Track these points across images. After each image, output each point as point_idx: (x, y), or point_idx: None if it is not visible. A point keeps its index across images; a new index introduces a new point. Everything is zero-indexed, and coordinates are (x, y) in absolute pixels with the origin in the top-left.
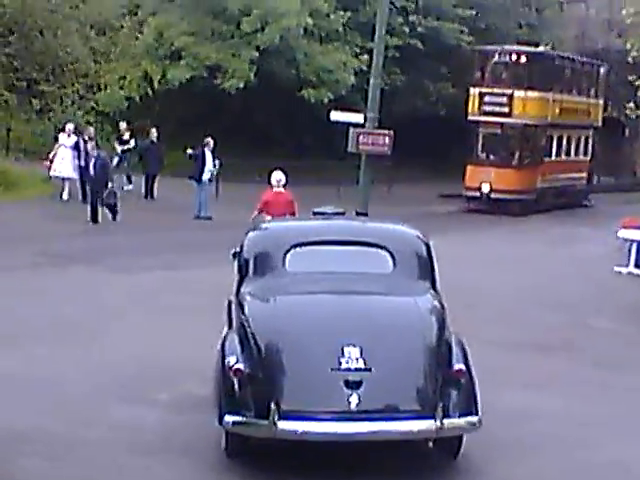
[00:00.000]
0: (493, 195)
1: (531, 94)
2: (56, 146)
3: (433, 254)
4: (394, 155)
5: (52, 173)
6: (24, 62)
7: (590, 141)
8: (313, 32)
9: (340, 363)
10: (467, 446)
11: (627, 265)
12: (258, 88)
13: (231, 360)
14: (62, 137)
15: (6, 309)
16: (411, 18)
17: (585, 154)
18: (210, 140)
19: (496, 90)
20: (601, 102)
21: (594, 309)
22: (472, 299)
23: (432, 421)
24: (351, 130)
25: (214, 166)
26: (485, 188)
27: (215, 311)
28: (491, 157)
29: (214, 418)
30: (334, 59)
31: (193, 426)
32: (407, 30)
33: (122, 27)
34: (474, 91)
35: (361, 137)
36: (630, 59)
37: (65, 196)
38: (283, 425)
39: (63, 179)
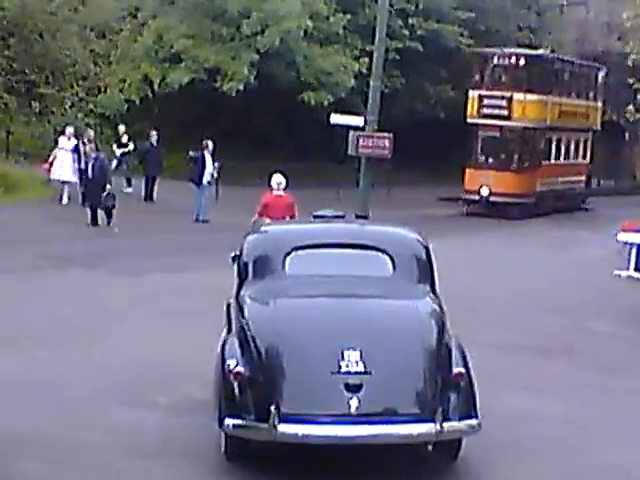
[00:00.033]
0: (492, 198)
1: (530, 97)
2: (55, 149)
3: (432, 257)
4: (394, 158)
5: (52, 176)
6: (24, 65)
7: (589, 144)
8: (313, 35)
9: (340, 366)
10: (466, 449)
11: (627, 268)
12: (258, 91)
13: (231, 363)
14: (62, 140)
15: (6, 311)
16: (411, 21)
17: (584, 157)
18: (209, 143)
19: (495, 93)
20: (600, 105)
21: (594, 312)
22: (471, 302)
23: (432, 424)
24: (351, 133)
25: (214, 169)
26: (484, 191)
27: (215, 314)
28: (490, 160)
29: (214, 421)
30: (334, 62)
31: (193, 429)
32: (407, 33)
33: (122, 30)
34: (473, 94)
35: (361, 140)
36: (630, 62)
37: (65, 200)
38: (283, 428)
39: (62, 182)
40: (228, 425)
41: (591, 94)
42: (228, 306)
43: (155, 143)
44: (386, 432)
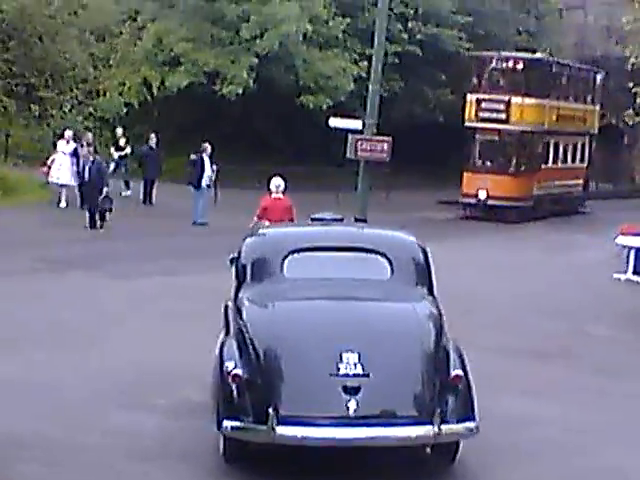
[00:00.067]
0: (490, 202)
1: (528, 101)
2: (54, 153)
3: (430, 260)
4: (392, 161)
5: (50, 179)
6: (23, 68)
7: (587, 148)
8: (312, 38)
9: (338, 369)
10: (464, 452)
11: (625, 272)
12: (257, 94)
13: (229, 365)
14: (60, 144)
15: (5, 314)
16: (410, 25)
17: (582, 161)
18: (208, 146)
19: (493, 96)
20: (597, 109)
21: (592, 316)
22: (470, 305)
23: (430, 427)
24: (350, 136)
25: (212, 172)
26: (482, 195)
27: (214, 317)
28: (488, 164)
29: (212, 424)
30: (333, 65)
31: (191, 431)
32: (406, 37)
33: (121, 33)
34: (471, 97)
35: (360, 144)
36: (629, 66)
37: (63, 203)
38: (282, 430)
39: (61, 186)
40: (227, 427)
41: (589, 98)
42: (226, 308)
43: (154, 146)
44: (384, 434)
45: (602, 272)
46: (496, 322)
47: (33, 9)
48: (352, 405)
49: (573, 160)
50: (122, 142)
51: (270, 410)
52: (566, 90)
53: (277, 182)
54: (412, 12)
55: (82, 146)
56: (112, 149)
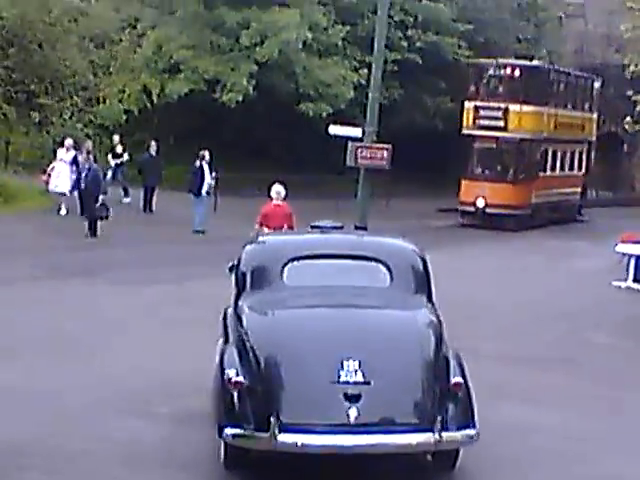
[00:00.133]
0: (488, 210)
1: (526, 108)
2: (54, 161)
3: (429, 268)
4: (392, 169)
5: (50, 187)
6: (23, 75)
7: (584, 156)
8: (312, 46)
9: (339, 376)
10: (464, 459)
11: (625, 279)
12: (257, 102)
13: (230, 373)
14: (60, 152)
15: (6, 321)
16: (410, 32)
17: (579, 169)
18: (206, 154)
19: (491, 104)
20: (595, 116)
21: (592, 324)
22: (469, 313)
23: (430, 434)
24: (350, 144)
25: (212, 179)
26: (480, 203)
27: (214, 324)
28: (486, 172)
29: (213, 431)
30: (333, 73)
31: (192, 439)
32: (406, 44)
33: (121, 40)
34: (469, 105)
35: (360, 151)
36: (628, 74)
37: (63, 211)
38: (283, 438)
39: (60, 194)
40: (228, 435)
41: (587, 105)
42: (224, 316)
43: (154, 154)
44: (385, 442)
45: (602, 280)
46: (496, 330)
47: (33, 16)
48: (353, 412)
49: (571, 168)
50: (119, 149)
51: (271, 418)
52: (564, 97)
53: (277, 189)
54: (412, 20)
55: (81, 153)
56: (109, 156)
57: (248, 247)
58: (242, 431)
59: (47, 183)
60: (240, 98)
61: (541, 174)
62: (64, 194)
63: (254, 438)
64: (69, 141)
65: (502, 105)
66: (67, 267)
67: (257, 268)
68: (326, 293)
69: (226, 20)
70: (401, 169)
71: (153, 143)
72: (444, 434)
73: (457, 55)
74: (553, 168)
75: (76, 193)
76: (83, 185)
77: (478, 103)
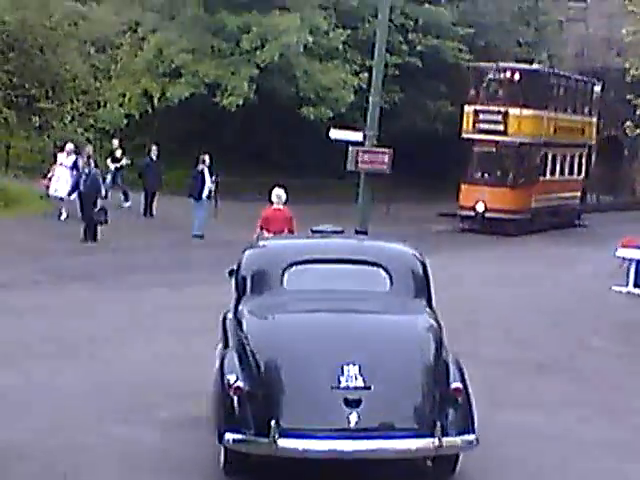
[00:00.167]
0: (488, 214)
1: (526, 112)
2: (54, 166)
3: (429, 273)
4: (393, 173)
5: (50, 192)
6: (24, 79)
7: (584, 160)
8: (313, 50)
9: (340, 381)
10: (464, 464)
11: (626, 284)
12: (258, 106)
13: (231, 378)
14: (61, 156)
15: (5, 326)
16: (410, 36)
17: (579, 173)
18: (207, 158)
19: (491, 108)
20: (595, 120)
21: (593, 329)
22: (470, 318)
23: (430, 439)
24: (350, 148)
25: (212, 183)
26: (480, 207)
27: (214, 329)
28: (485, 176)
29: (213, 436)
30: (334, 77)
31: (191, 444)
32: (406, 48)
33: (122, 45)
34: (469, 109)
35: (360, 155)
36: (629, 78)
37: (64, 215)
38: (283, 443)
39: (60, 199)
40: (228, 440)
41: (586, 109)
42: (224, 320)
43: (155, 158)
44: (385, 447)
45: (602, 285)
46: (496, 334)
47: (34, 20)
48: (353, 418)
49: (571, 172)
50: (118, 153)
51: (272, 423)
52: (564, 101)
53: (278, 193)
54: (412, 23)
55: (82, 158)
56: (108, 160)
57: (248, 251)
58: (242, 436)
59: (47, 187)
60: (241, 102)
61: (541, 178)
62: (64, 199)
63: (254, 443)
64: (70, 146)
65: (502, 109)
66: (67, 271)
67: (257, 272)
68: (326, 298)
69: (227, 24)
70: (402, 173)
71: (154, 147)
72: (444, 439)
73: (458, 59)
74: (553, 172)
75: (76, 197)
76: (82, 189)
77: (478, 107)
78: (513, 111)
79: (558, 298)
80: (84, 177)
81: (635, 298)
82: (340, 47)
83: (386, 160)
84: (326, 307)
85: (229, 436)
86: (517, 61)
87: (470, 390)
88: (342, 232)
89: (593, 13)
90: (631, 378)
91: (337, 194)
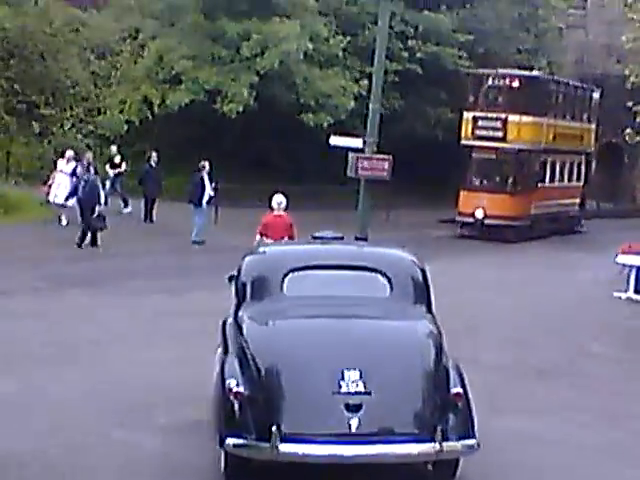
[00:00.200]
0: (487, 221)
1: (525, 119)
2: (54, 172)
3: (429, 278)
4: (393, 180)
5: (50, 198)
6: (24, 85)
7: (583, 167)
8: (313, 57)
9: (340, 386)
10: (464, 469)
11: (626, 290)
12: (258, 112)
13: (231, 383)
14: (61, 163)
15: (5, 332)
16: (410, 43)
17: (578, 180)
18: (206, 164)
19: (490, 114)
20: (594, 127)
21: (593, 335)
22: (470, 324)
23: (431, 444)
24: (350, 155)
25: (211, 189)
26: (479, 214)
27: (214, 334)
28: (485, 183)
29: (213, 441)
30: (334, 84)
31: (192, 449)
32: (406, 55)
33: (122, 51)
34: (467, 115)
35: (360, 162)
36: (629, 85)
37: (64, 222)
38: (284, 448)
39: (61, 206)
40: (229, 444)
41: (585, 116)
42: (224, 326)
43: (155, 164)
44: (386, 451)
45: (602, 291)
46: (496, 340)
47: (34, 27)
48: (354, 422)
49: (570, 179)
50: (117, 159)
51: (273, 428)
52: (563, 108)
53: (278, 199)
54: (412, 30)
55: (83, 165)
56: (107, 166)
57: (248, 257)
58: (243, 441)
59: (47, 194)
60: (241, 109)
61: (540, 185)
62: (64, 205)
63: (255, 448)
64: (70, 152)
65: (501, 115)
66: (67, 278)
67: (257, 278)
68: (326, 303)
69: (227, 31)
70: (402, 180)
71: (154, 154)
72: (445, 444)
73: (457, 65)
74: (552, 179)
75: (76, 203)
76: (81, 196)
77: (477, 113)
78: (512, 118)
79: (558, 304)
80: (83, 184)
81: (635, 304)
82: (340, 54)
83: (386, 167)
84: (326, 313)
85: (230, 441)
86: (517, 68)
87: (470, 395)
88: (342, 238)
89: (593, 20)
90: (631, 384)
91: (337, 200)
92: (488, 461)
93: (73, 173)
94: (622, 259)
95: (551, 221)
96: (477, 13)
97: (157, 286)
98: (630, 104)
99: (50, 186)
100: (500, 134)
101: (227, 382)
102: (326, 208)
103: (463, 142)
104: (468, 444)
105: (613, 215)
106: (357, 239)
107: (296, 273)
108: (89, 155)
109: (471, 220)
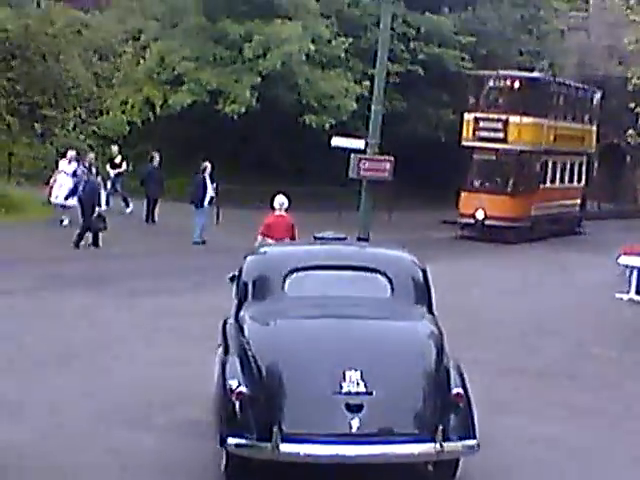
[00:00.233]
0: (487, 222)
1: (526, 120)
2: (56, 172)
3: (430, 279)
4: (395, 181)
5: (52, 199)
6: (26, 86)
7: (584, 168)
8: (315, 58)
9: (341, 387)
10: (464, 470)
11: (628, 292)
12: (260, 114)
13: (233, 383)
14: (62, 163)
15: (6, 332)
16: (412, 45)
17: (579, 181)
18: (208, 165)
19: (491, 116)
20: (594, 128)
21: (595, 336)
22: (470, 324)
23: (432, 444)
24: (352, 156)
25: (213, 190)
26: (479, 215)
27: (214, 335)
28: (485, 184)
29: (214, 440)
30: (336, 85)
31: (192, 449)
32: (408, 56)
33: (124, 52)
34: (468, 116)
35: (362, 163)
36: (630, 87)
37: (66, 222)
38: (285, 448)
39: (62, 206)
40: (230, 444)
41: (586, 117)
42: (224, 326)
43: (157, 165)
44: (387, 452)
45: (604, 292)
46: (496, 341)
47: (36, 28)
48: (355, 423)
49: (571, 180)
50: (118, 160)
51: (273, 427)
52: (564, 109)
53: (280, 200)
54: (414, 32)
55: (85, 166)
56: (108, 166)
57: (249, 258)
58: (244, 441)
59: (49, 194)
60: (243, 110)
61: (541, 186)
62: (65, 206)
63: (256, 448)
64: (71, 153)
65: (502, 117)
66: (69, 278)
67: (259, 279)
68: (328, 304)
69: (229, 32)
70: (403, 181)
71: (155, 154)
72: (445, 444)
73: (459, 67)
74: (553, 180)
75: (77, 203)
76: (81, 196)
77: (478, 115)
78: (513, 119)
79: (559, 305)
80: (83, 184)
81: (637, 305)
82: (342, 55)
83: (388, 168)
84: (327, 313)
85: (231, 440)
86: (519, 69)
87: (471, 395)
88: (344, 239)
89: (594, 22)
90: (631, 384)
91: (339, 201)
92: (488, 461)
93: (75, 174)
94: (624, 260)
95: (552, 222)
96: (479, 15)
97: (158, 286)
98: (632, 105)
99: (52, 186)
100: (501, 135)
101: (228, 382)
102: (328, 209)
103: (464, 143)
104: (469, 444)
105: (614, 216)
106: (359, 240)
107: (297, 273)
108: (91, 156)
109: (472, 221)
